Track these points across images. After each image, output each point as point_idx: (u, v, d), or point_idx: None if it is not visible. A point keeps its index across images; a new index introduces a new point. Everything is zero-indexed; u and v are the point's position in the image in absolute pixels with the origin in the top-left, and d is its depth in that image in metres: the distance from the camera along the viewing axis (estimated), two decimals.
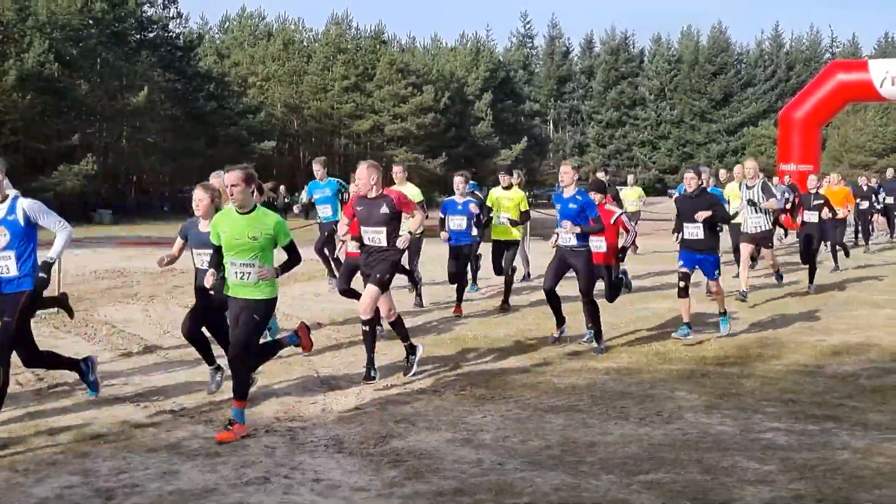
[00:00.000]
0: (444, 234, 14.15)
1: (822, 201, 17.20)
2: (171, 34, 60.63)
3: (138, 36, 57.71)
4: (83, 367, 8.59)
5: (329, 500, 6.10)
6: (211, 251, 8.04)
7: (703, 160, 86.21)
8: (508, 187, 14.55)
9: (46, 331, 12.00)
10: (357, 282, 11.22)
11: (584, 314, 11.15)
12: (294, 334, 8.92)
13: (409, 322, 12.81)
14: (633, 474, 6.50)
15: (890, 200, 27.14)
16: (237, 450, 7.09)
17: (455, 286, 14.00)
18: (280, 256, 7.88)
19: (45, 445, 7.21)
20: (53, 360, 8.52)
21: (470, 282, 15.60)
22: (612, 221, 12.68)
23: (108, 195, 51.68)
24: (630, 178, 26.97)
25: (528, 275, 17.85)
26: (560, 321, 11.50)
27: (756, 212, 14.79)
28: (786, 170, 33.83)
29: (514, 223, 14.25)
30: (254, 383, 8.56)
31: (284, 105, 66.64)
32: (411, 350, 9.80)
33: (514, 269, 14.99)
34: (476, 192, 15.88)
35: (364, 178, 9.42)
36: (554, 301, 11.31)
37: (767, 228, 14.98)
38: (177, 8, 60.47)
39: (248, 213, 7.68)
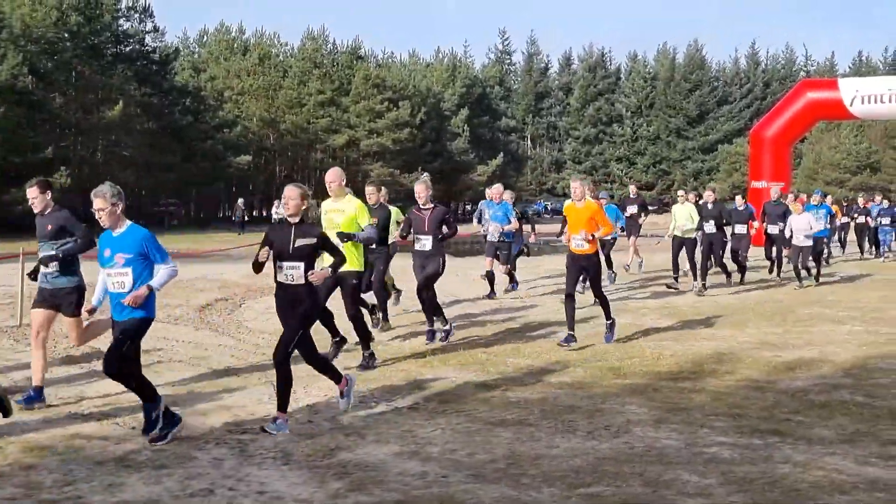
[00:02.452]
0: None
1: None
2: (147, 48, 60.70)
3: (114, 49, 57.74)
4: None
5: None
6: None
7: (679, 177, 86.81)
8: None
9: (7, 343, 12.04)
10: None
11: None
12: None
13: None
14: (574, 487, 6.57)
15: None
16: (184, 462, 7.14)
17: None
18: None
19: None
20: None
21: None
22: None
23: (83, 209, 51.53)
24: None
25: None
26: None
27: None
28: (758, 187, 34.17)
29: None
30: None
31: (260, 119, 66.71)
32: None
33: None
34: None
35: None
36: None
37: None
38: (153, 22, 60.58)
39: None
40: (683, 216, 19.74)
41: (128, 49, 59.08)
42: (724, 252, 20.86)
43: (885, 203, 31.29)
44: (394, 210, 14.68)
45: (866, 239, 31.11)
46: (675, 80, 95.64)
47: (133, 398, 9.05)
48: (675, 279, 19.85)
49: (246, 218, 56.50)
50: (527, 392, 9.67)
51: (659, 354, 11.81)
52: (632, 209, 23.50)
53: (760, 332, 13.90)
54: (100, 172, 53.44)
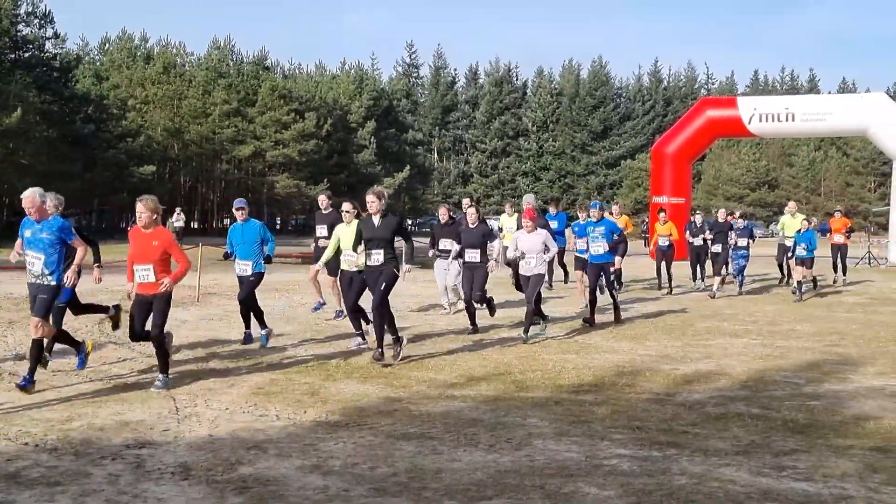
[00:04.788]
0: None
1: None
2: (47, 54, 59.35)
3: (12, 55, 56.36)
4: None
5: None
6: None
7: (583, 192, 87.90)
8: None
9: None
10: None
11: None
12: None
13: (282, 349, 12.77)
14: (475, 500, 6.59)
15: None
16: (79, 478, 6.99)
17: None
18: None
19: None
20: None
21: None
22: None
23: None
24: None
25: None
26: None
27: None
28: (660, 202, 34.57)
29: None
30: None
31: (164, 129, 65.75)
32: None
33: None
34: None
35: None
36: None
37: None
38: (54, 28, 59.23)
39: None
40: None
41: (27, 55, 57.78)
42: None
43: (741, 222, 24.02)
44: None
45: (699, 264, 24.72)
46: (580, 96, 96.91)
47: (29, 412, 8.87)
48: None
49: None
50: (429, 405, 9.68)
51: (561, 368, 11.93)
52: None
53: (660, 345, 14.13)
54: None
